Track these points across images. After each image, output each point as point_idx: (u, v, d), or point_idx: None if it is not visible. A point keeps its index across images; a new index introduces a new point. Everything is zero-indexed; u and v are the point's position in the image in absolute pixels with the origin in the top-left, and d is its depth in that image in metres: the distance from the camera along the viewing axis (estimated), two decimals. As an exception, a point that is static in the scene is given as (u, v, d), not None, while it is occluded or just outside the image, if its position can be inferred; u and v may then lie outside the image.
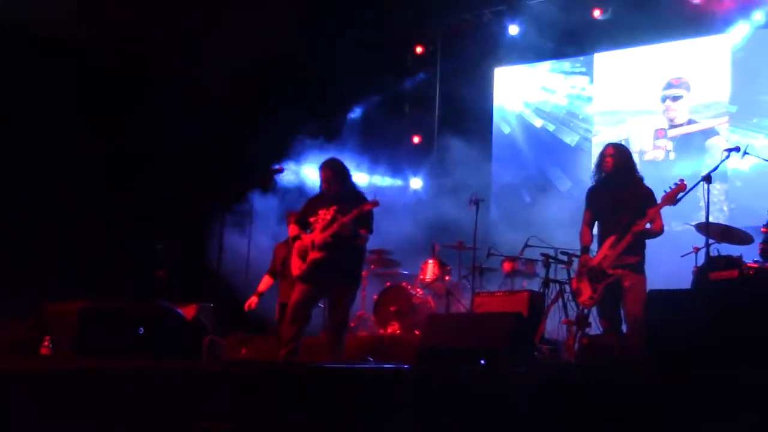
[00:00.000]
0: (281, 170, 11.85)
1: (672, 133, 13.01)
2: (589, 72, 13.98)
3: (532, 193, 13.80)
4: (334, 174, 8.66)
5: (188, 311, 9.97)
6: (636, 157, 8.66)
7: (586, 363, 7.91)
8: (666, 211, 8.00)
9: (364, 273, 10.82)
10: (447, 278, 11.65)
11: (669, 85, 13.09)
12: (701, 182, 8.13)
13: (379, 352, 10.11)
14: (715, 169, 8.42)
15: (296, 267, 8.57)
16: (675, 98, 13.03)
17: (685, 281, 8.90)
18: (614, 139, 10.92)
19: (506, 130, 14.62)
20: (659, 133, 13.11)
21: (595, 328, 8.41)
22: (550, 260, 10.00)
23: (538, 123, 14.33)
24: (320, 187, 8.82)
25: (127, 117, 12.32)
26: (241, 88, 12.91)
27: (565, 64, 14.21)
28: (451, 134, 14.36)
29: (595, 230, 8.42)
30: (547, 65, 14.41)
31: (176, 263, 11.02)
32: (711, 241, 8.60)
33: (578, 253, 8.51)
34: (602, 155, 8.32)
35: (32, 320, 8.83)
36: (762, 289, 7.66)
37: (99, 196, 11.96)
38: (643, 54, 13.40)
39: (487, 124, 14.73)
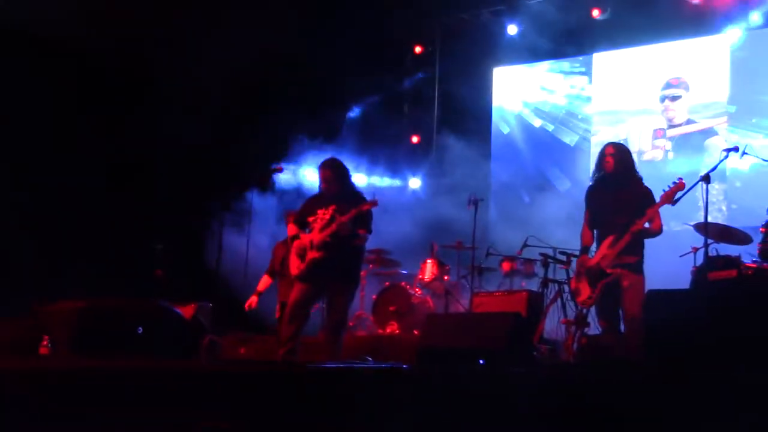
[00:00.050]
0: (280, 170, 11.87)
1: (671, 133, 13.02)
2: (588, 72, 13.98)
3: (530, 193, 13.80)
4: (334, 174, 8.66)
5: (187, 311, 9.96)
6: (635, 157, 8.64)
7: (585, 363, 7.91)
8: (665, 211, 7.99)
9: (362, 273, 10.81)
10: (446, 278, 11.65)
11: (668, 85, 13.10)
12: (700, 182, 8.12)
13: (377, 351, 10.10)
14: (714, 169, 8.41)
15: (295, 266, 8.57)
16: (674, 98, 13.04)
17: (683, 281, 8.90)
18: (613, 139, 10.90)
19: (505, 130, 14.62)
20: (658, 133, 13.11)
21: (593, 327, 8.41)
22: (549, 260, 10.01)
23: (537, 123, 14.33)
24: (319, 186, 8.82)
25: (127, 117, 12.33)
26: (240, 88, 12.92)
27: (564, 64, 14.22)
28: (450, 134, 14.36)
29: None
30: (546, 65, 14.42)
31: (175, 263, 11.02)
32: (710, 241, 8.59)
33: (577, 252, 8.51)
34: (602, 155, 8.31)
35: (30, 320, 8.84)
36: (760, 289, 7.66)
37: (99, 196, 11.97)
38: (642, 54, 13.41)
39: (486, 124, 14.74)
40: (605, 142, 8.77)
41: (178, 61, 12.17)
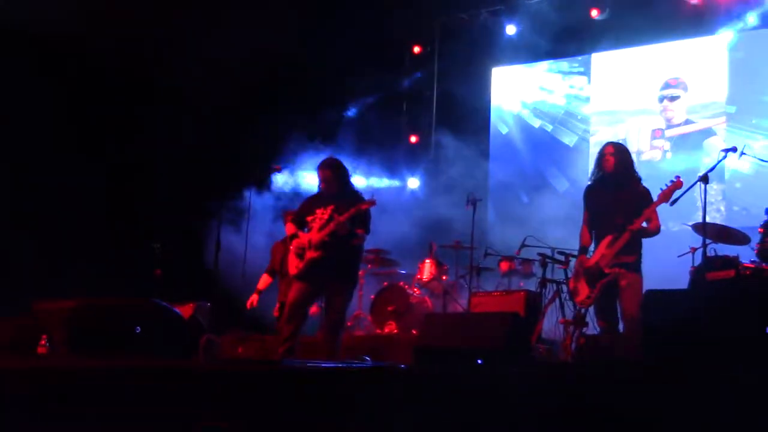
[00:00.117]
0: (279, 169, 11.86)
1: (669, 133, 13.02)
2: (587, 72, 13.98)
3: (529, 193, 13.79)
4: (333, 173, 8.67)
5: (185, 310, 9.96)
6: (634, 158, 8.65)
7: (583, 363, 7.91)
8: (663, 211, 8.00)
9: (361, 272, 10.83)
10: (444, 278, 11.65)
11: (666, 86, 13.10)
12: (698, 182, 8.12)
13: (376, 351, 10.09)
14: (713, 169, 8.42)
15: (293, 266, 8.58)
16: (672, 98, 13.04)
17: (682, 281, 8.91)
18: (612, 139, 10.91)
19: (504, 130, 14.62)
20: (657, 133, 13.12)
21: (592, 327, 8.41)
22: (547, 260, 10.00)
23: (536, 123, 14.33)
24: (318, 186, 8.82)
25: (127, 117, 12.33)
26: (239, 88, 12.91)
27: (563, 64, 14.22)
28: (448, 134, 14.35)
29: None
30: (544, 65, 14.42)
31: (174, 262, 11.01)
32: (708, 241, 8.59)
33: (575, 252, 8.52)
34: (602, 154, 8.31)
35: (30, 319, 8.83)
36: (758, 289, 7.67)
37: (98, 195, 11.97)
38: (640, 54, 13.41)
39: (485, 123, 14.74)
40: (604, 142, 8.78)
41: (178, 61, 12.17)
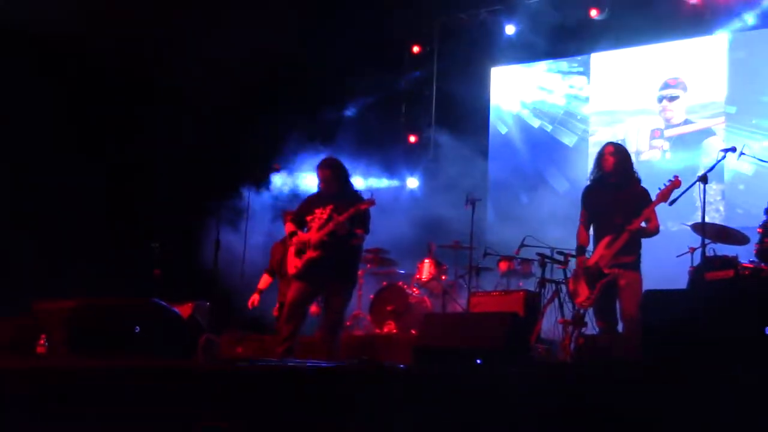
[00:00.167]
0: (278, 169, 11.86)
1: (668, 133, 13.02)
2: (586, 72, 13.98)
3: (528, 193, 13.77)
4: (332, 173, 8.69)
5: (184, 310, 9.96)
6: (633, 158, 8.66)
7: (582, 363, 7.92)
8: (662, 211, 8.01)
9: (360, 272, 10.84)
10: (443, 278, 11.65)
11: (666, 86, 13.10)
12: (697, 182, 8.13)
13: (375, 351, 10.10)
14: (712, 169, 8.43)
15: (292, 266, 8.60)
16: (671, 98, 13.04)
17: (681, 281, 8.90)
18: (611, 139, 10.92)
19: (503, 130, 14.61)
20: (656, 133, 13.11)
21: (591, 327, 8.42)
22: (546, 260, 9.99)
23: (536, 123, 14.32)
24: (318, 186, 8.84)
25: (127, 117, 12.34)
26: (238, 88, 12.92)
27: (563, 63, 14.21)
28: (447, 134, 14.35)
29: (591, 230, 8.43)
30: (543, 65, 14.41)
31: (173, 262, 11.02)
32: (707, 241, 8.60)
33: (574, 252, 8.53)
34: (602, 154, 8.32)
35: (30, 319, 8.83)
36: (757, 289, 7.66)
37: (98, 195, 11.97)
38: (639, 54, 13.40)
39: (484, 123, 14.72)
40: (603, 142, 8.78)
41: (178, 61, 12.18)
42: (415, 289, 11.51)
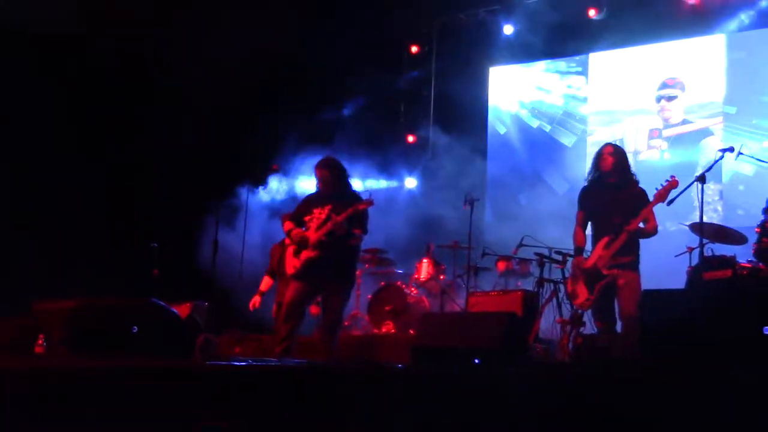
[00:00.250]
0: (277, 169, 11.86)
1: (667, 133, 13.02)
2: (584, 72, 13.98)
3: (527, 193, 13.78)
4: (330, 173, 8.69)
5: (183, 310, 9.96)
6: (631, 158, 8.68)
7: (581, 362, 7.92)
8: (660, 211, 8.02)
9: (358, 272, 10.85)
10: (441, 277, 11.65)
11: (664, 85, 13.11)
12: (695, 182, 8.13)
13: (373, 351, 10.11)
14: (710, 168, 8.43)
15: (291, 266, 8.60)
16: (670, 98, 13.05)
17: (679, 281, 8.92)
18: (609, 139, 10.93)
19: (501, 130, 14.61)
20: (654, 133, 13.12)
21: (589, 327, 8.42)
22: (545, 260, 10.01)
23: (534, 123, 14.33)
24: (316, 186, 8.84)
25: (127, 117, 12.34)
26: (237, 88, 12.92)
27: (561, 63, 14.22)
28: (446, 134, 14.36)
29: (589, 230, 8.43)
30: (542, 65, 14.42)
31: (171, 262, 11.02)
32: (705, 241, 8.60)
33: (572, 252, 8.53)
34: (601, 153, 8.32)
35: (30, 319, 8.83)
36: (755, 288, 7.67)
37: (98, 195, 11.97)
38: (638, 54, 13.41)
39: (483, 123, 14.73)
40: (601, 143, 8.79)
41: (178, 61, 12.18)
42: (413, 289, 11.51)
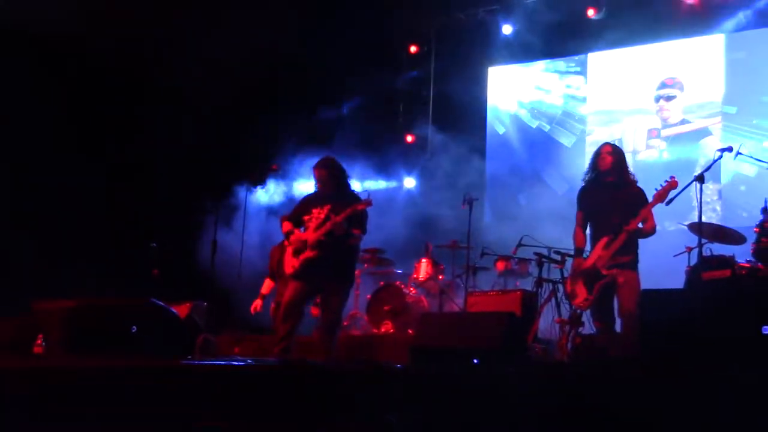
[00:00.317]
0: (276, 169, 11.86)
1: (665, 132, 13.03)
2: (583, 72, 13.99)
3: (526, 193, 13.78)
4: (329, 173, 8.70)
5: (182, 310, 9.96)
6: (630, 157, 8.68)
7: (579, 362, 7.93)
8: (659, 211, 8.01)
9: (357, 272, 10.84)
10: (440, 277, 11.65)
11: (662, 85, 13.12)
12: (694, 182, 8.13)
13: (372, 351, 10.11)
14: (708, 168, 8.44)
15: (290, 266, 8.60)
16: (668, 98, 13.06)
17: (678, 281, 8.92)
18: (608, 139, 10.93)
19: (501, 130, 14.61)
20: (653, 133, 13.12)
21: (588, 327, 8.42)
22: (543, 259, 10.01)
23: (533, 123, 14.33)
24: (315, 186, 8.85)
25: (127, 117, 12.34)
26: (236, 88, 12.92)
27: (560, 63, 14.22)
28: (444, 134, 14.36)
29: (587, 230, 8.43)
30: (541, 65, 14.42)
31: (171, 262, 11.02)
32: (704, 240, 8.60)
33: (571, 252, 8.53)
34: (599, 153, 8.31)
35: (30, 319, 8.83)
36: (754, 288, 7.68)
37: (98, 195, 11.97)
38: (636, 54, 13.42)
39: (481, 123, 14.73)
40: (600, 142, 8.78)
41: (178, 61, 12.18)
42: (412, 289, 11.51)
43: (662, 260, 9.67)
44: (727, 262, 8.37)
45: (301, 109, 13.57)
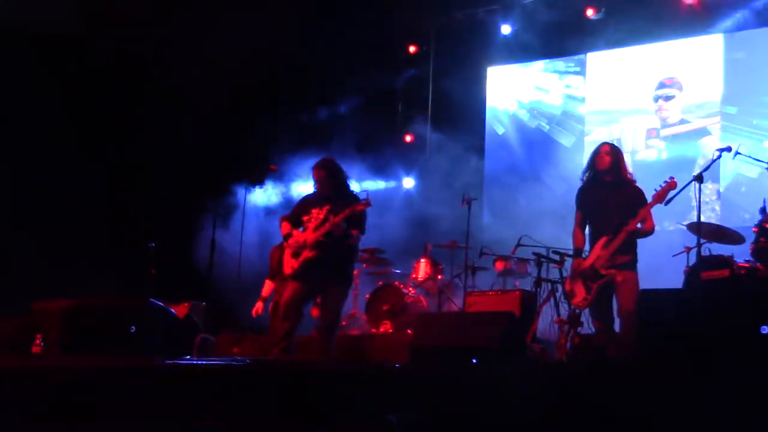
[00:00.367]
0: (275, 169, 11.86)
1: (664, 132, 13.03)
2: (582, 72, 13.99)
3: (525, 193, 13.76)
4: (327, 174, 8.71)
5: (181, 310, 9.96)
6: (628, 157, 8.68)
7: (578, 362, 7.93)
8: (658, 211, 8.02)
9: (356, 272, 10.86)
10: (439, 277, 11.65)
11: (661, 85, 13.12)
12: (693, 182, 8.13)
13: (371, 350, 10.12)
14: (707, 168, 8.44)
15: (289, 266, 8.61)
16: (667, 98, 13.06)
17: (676, 281, 8.92)
18: (607, 139, 10.93)
19: (500, 130, 14.61)
20: (652, 133, 13.13)
21: (587, 327, 8.43)
22: (542, 259, 10.01)
23: (532, 123, 14.33)
24: (314, 186, 8.86)
25: (127, 117, 12.34)
26: (238, 88, 12.93)
27: (559, 63, 14.22)
28: (443, 133, 14.37)
29: (586, 230, 8.43)
30: (540, 65, 14.42)
31: (169, 261, 11.01)
32: (702, 240, 8.61)
33: (570, 252, 8.53)
34: (598, 152, 8.30)
35: (24, 319, 8.84)
36: (753, 288, 7.68)
37: (97, 195, 11.96)
38: (635, 53, 13.42)
39: (480, 123, 14.73)
40: (599, 142, 8.78)
41: (178, 61, 12.19)
42: (411, 289, 11.51)
43: (661, 260, 9.68)
44: (726, 262, 8.36)
45: (301, 108, 13.57)
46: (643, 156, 13.07)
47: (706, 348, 6.10)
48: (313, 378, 6.00)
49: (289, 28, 12.54)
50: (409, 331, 10.41)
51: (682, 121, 12.88)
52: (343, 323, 10.83)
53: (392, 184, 14.73)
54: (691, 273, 8.74)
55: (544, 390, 5.30)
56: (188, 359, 8.37)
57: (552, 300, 9.58)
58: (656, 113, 13.14)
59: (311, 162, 9.07)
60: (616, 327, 8.08)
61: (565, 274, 8.99)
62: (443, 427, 5.28)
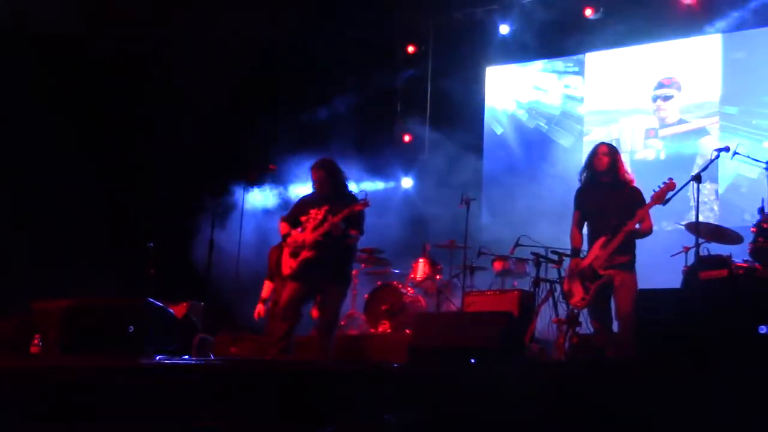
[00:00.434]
0: (274, 169, 11.86)
1: (663, 132, 13.04)
2: (581, 72, 13.99)
3: (523, 193, 13.76)
4: (326, 174, 8.72)
5: (179, 309, 9.96)
6: (627, 157, 8.68)
7: (576, 362, 7.94)
8: (656, 211, 8.02)
9: (354, 272, 10.86)
10: (438, 277, 11.66)
11: (660, 85, 13.12)
12: (691, 182, 8.14)
13: (369, 350, 10.12)
14: (705, 168, 8.45)
15: (287, 266, 8.62)
16: (666, 98, 13.06)
17: (675, 281, 8.93)
18: (605, 139, 10.93)
19: (498, 130, 14.62)
20: (650, 133, 13.13)
21: (585, 327, 8.43)
22: (541, 259, 10.02)
23: (531, 123, 14.33)
24: (312, 186, 8.86)
25: (127, 117, 12.34)
26: (237, 88, 12.93)
27: (558, 63, 14.22)
28: (442, 133, 14.37)
29: (584, 230, 8.43)
30: (539, 65, 14.42)
31: (168, 261, 11.01)
32: (701, 240, 8.62)
33: (569, 252, 8.54)
34: (596, 153, 8.29)
35: (20, 319, 8.84)
36: (751, 288, 7.69)
37: (97, 195, 11.96)
38: (634, 53, 13.42)
39: (479, 123, 14.72)
40: (597, 142, 8.79)
41: (178, 61, 12.19)
42: (409, 289, 11.51)
43: (659, 260, 9.69)
44: (724, 261, 8.36)
45: (299, 108, 13.57)
46: (642, 156, 13.07)
47: (705, 348, 6.11)
48: (312, 378, 6.00)
49: (288, 28, 12.55)
50: (407, 331, 10.42)
51: (681, 121, 12.89)
52: (342, 323, 10.85)
53: (391, 184, 14.73)
54: (690, 273, 8.75)
55: (542, 390, 5.31)
56: (187, 359, 8.38)
57: (550, 300, 9.59)
58: (655, 113, 13.14)
59: (309, 162, 9.07)
60: (615, 327, 8.09)
61: (563, 274, 8.99)
62: (442, 427, 5.29)
